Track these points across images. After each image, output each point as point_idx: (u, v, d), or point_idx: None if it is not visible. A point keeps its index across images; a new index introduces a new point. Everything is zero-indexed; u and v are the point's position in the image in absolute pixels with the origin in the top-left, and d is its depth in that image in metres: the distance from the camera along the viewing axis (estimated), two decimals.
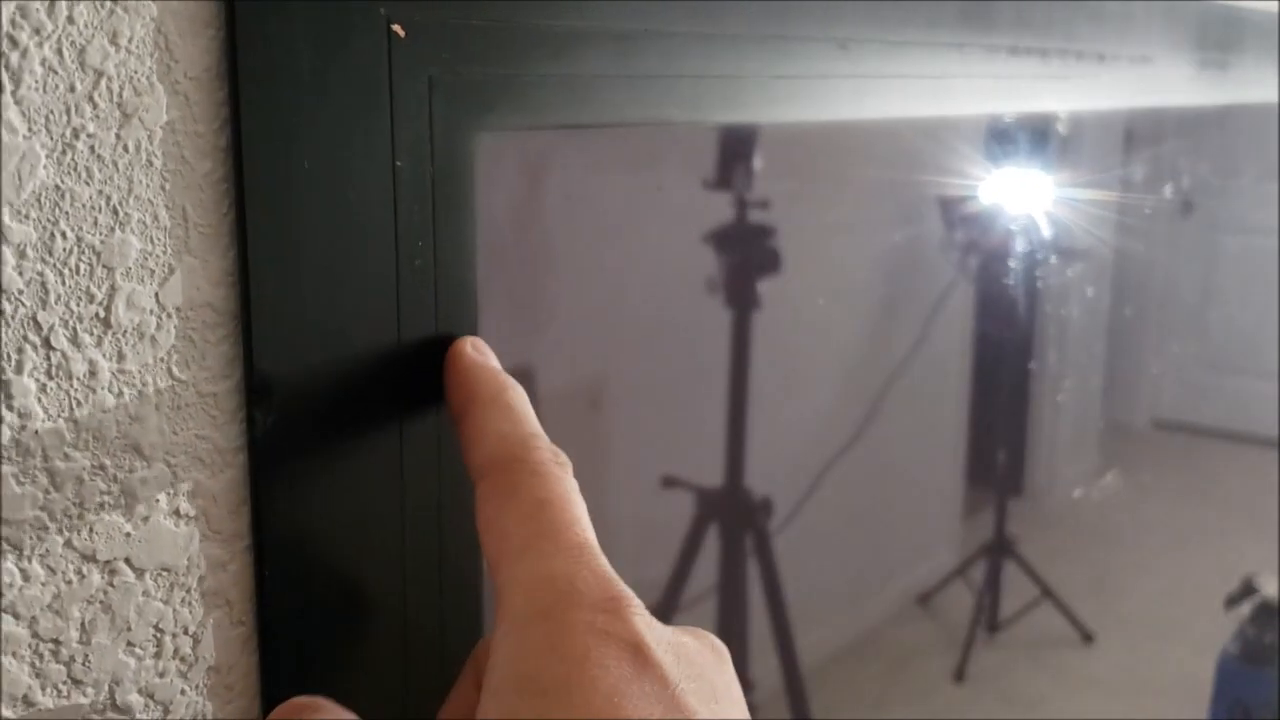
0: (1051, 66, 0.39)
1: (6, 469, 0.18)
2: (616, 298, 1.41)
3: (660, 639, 0.18)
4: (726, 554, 1.33)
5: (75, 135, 0.18)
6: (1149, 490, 2.53)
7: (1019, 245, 1.80)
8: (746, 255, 1.27)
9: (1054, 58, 0.39)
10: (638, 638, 0.18)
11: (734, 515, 1.32)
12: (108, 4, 0.18)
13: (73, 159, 0.18)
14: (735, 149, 1.22)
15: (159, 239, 0.19)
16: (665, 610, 1.35)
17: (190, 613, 0.21)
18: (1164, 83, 0.46)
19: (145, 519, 0.20)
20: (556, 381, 1.32)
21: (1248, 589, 1.73)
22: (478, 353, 0.23)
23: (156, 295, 0.19)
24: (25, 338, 0.18)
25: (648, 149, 1.40)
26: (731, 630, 1.32)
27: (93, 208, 0.18)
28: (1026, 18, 0.37)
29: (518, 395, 0.22)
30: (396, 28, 0.21)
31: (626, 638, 0.18)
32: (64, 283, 0.18)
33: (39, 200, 0.18)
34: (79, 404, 0.19)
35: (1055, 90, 0.39)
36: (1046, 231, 1.85)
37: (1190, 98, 0.49)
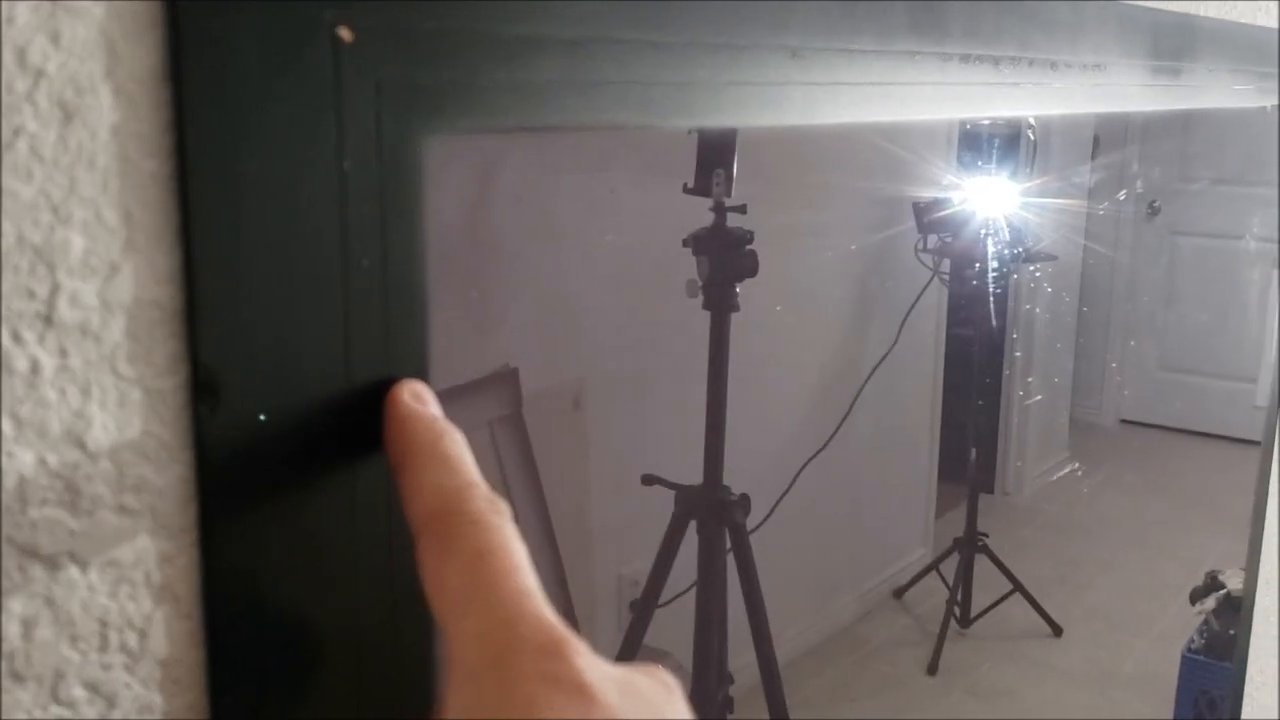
0: (1003, 74, 0.40)
1: None
2: (598, 301, 1.41)
3: (605, 677, 0.19)
4: (705, 550, 1.34)
5: (15, 134, 0.18)
6: (1116, 487, 2.56)
7: (990, 249, 1.83)
8: (725, 259, 1.28)
9: (1006, 65, 0.39)
10: (581, 678, 0.18)
11: (712, 512, 1.33)
12: (49, 5, 0.18)
13: (13, 159, 0.18)
14: (715, 156, 1.23)
15: (102, 237, 0.19)
16: (644, 605, 1.36)
17: (136, 607, 0.21)
18: (1117, 89, 0.47)
19: (90, 514, 0.20)
20: (540, 382, 1.32)
21: (1212, 583, 1.76)
22: (416, 400, 0.23)
23: (101, 293, 0.20)
24: None
25: (629, 152, 1.40)
26: (710, 624, 1.33)
27: (33, 206, 0.18)
28: (978, 26, 0.38)
29: (455, 443, 0.22)
30: (343, 32, 0.21)
31: (571, 679, 0.18)
32: (4, 280, 0.18)
33: None
34: (21, 400, 0.19)
35: (1008, 97, 0.40)
36: (1017, 236, 1.87)
37: (1143, 104, 0.50)
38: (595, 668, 0.19)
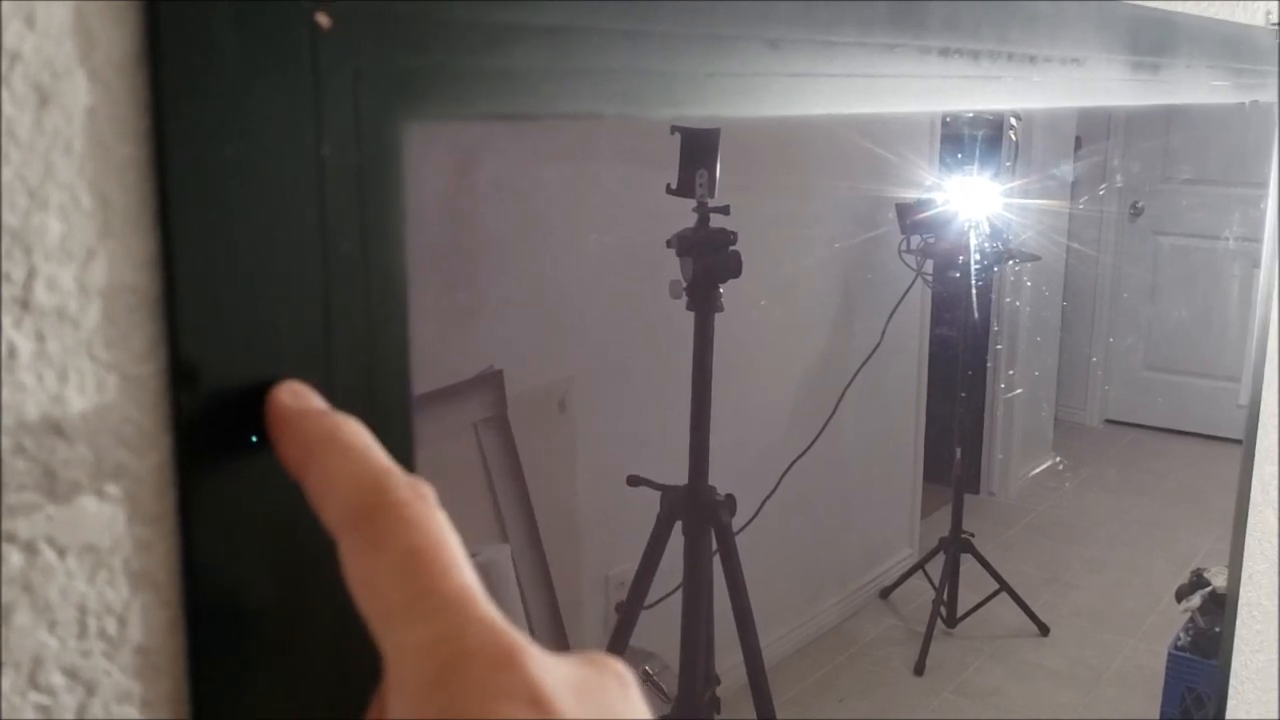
0: (983, 67, 0.40)
1: None
2: (583, 302, 1.41)
3: (559, 683, 0.17)
4: (690, 551, 1.34)
5: None
6: (1101, 486, 2.58)
7: (974, 250, 1.84)
8: (709, 260, 1.28)
9: (985, 59, 0.40)
10: (536, 689, 0.17)
11: (698, 513, 1.33)
12: None
13: None
14: (698, 157, 1.24)
15: (79, 222, 0.19)
16: (630, 607, 1.36)
17: (115, 594, 0.21)
18: (1095, 84, 0.48)
19: (68, 500, 0.20)
20: (524, 384, 1.32)
21: (1198, 581, 1.77)
22: (297, 399, 0.21)
23: (78, 277, 0.19)
24: None
25: (614, 150, 1.41)
26: (696, 625, 1.33)
27: (10, 190, 0.18)
28: (958, 20, 0.38)
29: (355, 432, 0.20)
30: (320, 18, 0.21)
31: (525, 691, 0.17)
32: None
33: None
34: None
35: (987, 90, 0.40)
36: (1000, 237, 1.89)
37: (1122, 99, 0.50)
38: (550, 674, 0.18)
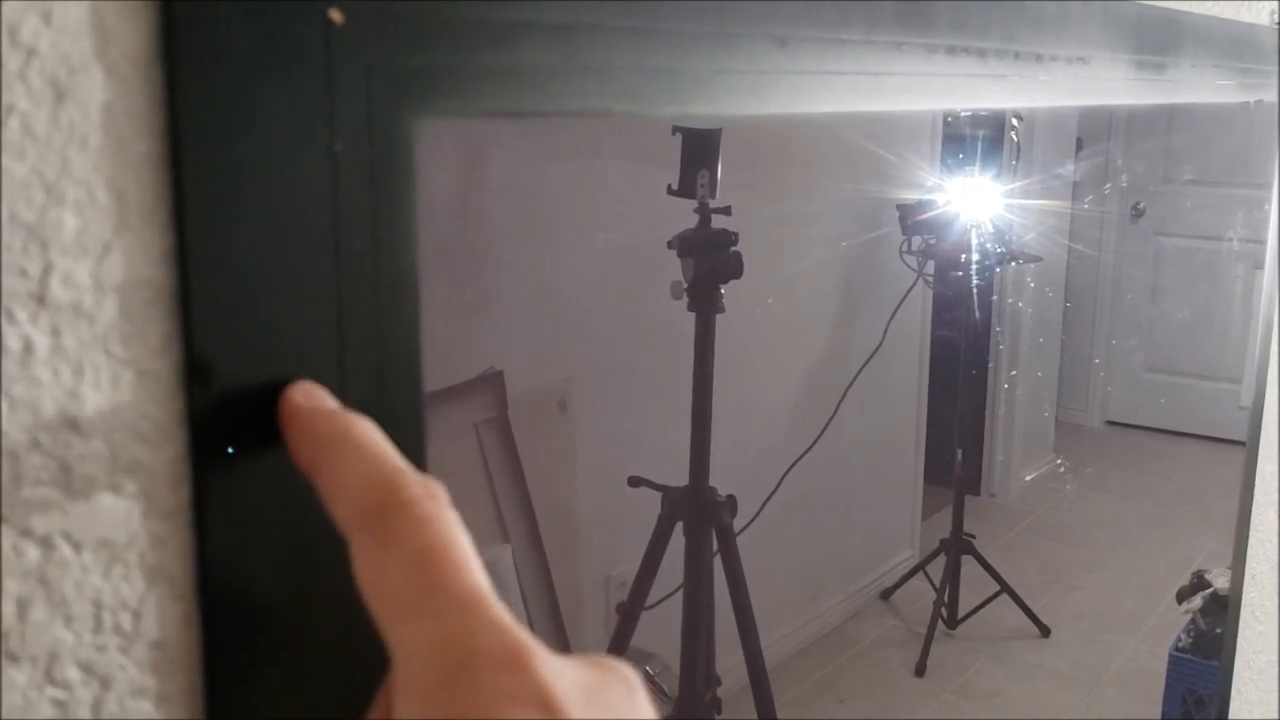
0: (989, 66, 0.40)
1: None
2: (584, 302, 1.42)
3: (569, 686, 0.18)
4: (692, 552, 1.34)
5: (8, 113, 0.18)
6: (1103, 488, 2.58)
7: (975, 251, 1.84)
8: (710, 261, 1.28)
9: (991, 58, 0.40)
10: (545, 691, 0.17)
11: (699, 514, 1.33)
12: None
13: (6, 137, 0.18)
14: (699, 157, 1.24)
15: (95, 217, 0.19)
16: (631, 608, 1.36)
17: (130, 588, 0.21)
18: (1101, 83, 0.48)
19: (84, 495, 0.20)
20: (525, 385, 1.32)
21: (1199, 583, 1.77)
22: (310, 398, 0.21)
23: (94, 273, 0.20)
24: None
25: (617, 151, 1.41)
26: (697, 626, 1.33)
27: (26, 185, 0.18)
28: (965, 19, 0.38)
29: (367, 431, 0.21)
30: (334, 14, 0.21)
31: (533, 694, 0.17)
32: None
33: None
34: (14, 380, 0.19)
35: (993, 89, 0.40)
36: (1002, 238, 1.89)
37: (1127, 98, 0.50)
38: (559, 676, 0.18)
